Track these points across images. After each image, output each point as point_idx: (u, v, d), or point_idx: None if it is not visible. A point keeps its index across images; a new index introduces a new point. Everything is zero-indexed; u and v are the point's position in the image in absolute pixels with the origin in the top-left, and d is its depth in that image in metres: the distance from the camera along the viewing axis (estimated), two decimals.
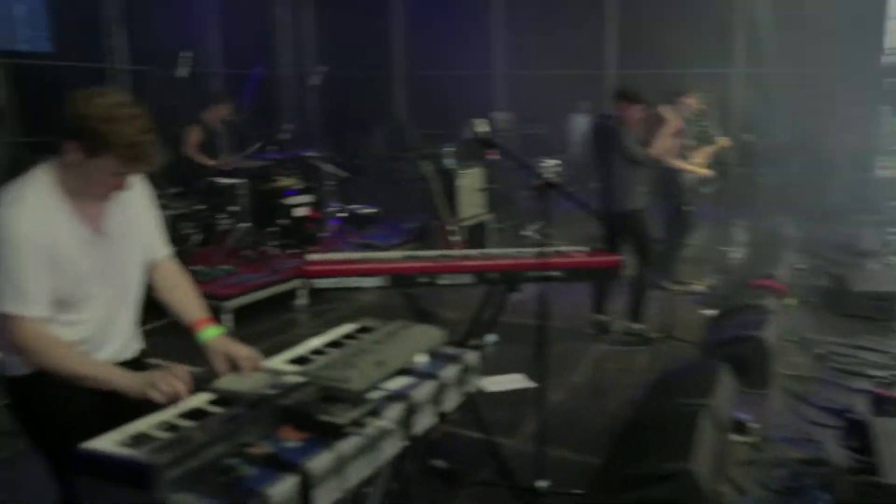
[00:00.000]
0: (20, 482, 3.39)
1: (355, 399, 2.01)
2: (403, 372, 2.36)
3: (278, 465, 1.71)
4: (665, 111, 5.72)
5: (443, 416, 2.42)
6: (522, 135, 11.51)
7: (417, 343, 2.47)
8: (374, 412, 2.00)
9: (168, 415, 1.88)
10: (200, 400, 1.98)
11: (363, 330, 2.62)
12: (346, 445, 1.87)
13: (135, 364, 2.36)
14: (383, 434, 2.02)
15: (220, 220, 6.67)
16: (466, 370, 2.54)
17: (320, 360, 2.27)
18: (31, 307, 1.98)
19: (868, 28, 11.48)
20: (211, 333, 2.28)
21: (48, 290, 2.01)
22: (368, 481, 2.07)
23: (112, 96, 2.00)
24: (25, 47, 11.60)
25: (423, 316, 3.43)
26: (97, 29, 12.58)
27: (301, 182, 7.16)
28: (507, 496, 3.31)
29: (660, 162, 5.76)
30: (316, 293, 6.43)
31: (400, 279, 3.15)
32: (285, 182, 6.98)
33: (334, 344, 2.47)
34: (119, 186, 2.09)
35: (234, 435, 1.76)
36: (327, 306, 6.33)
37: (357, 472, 1.88)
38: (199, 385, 2.03)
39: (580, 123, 14.12)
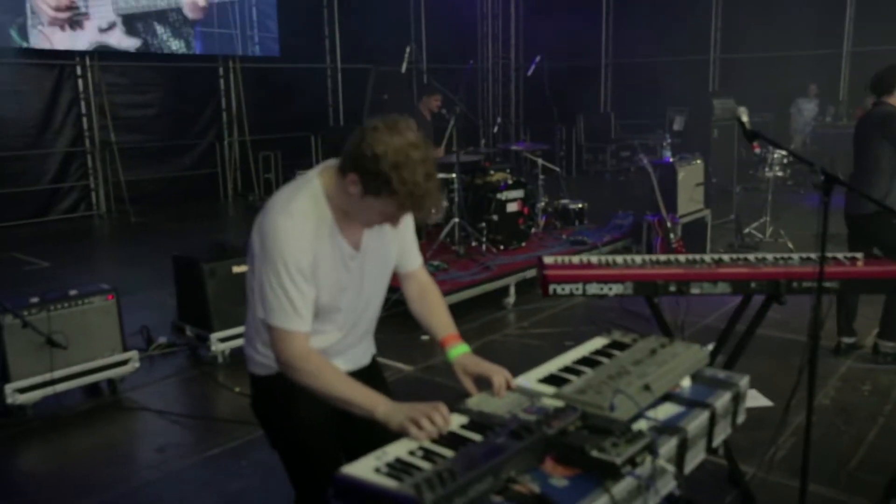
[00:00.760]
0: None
1: (621, 430, 1.75)
2: (666, 397, 2.08)
3: None
4: None
5: (712, 452, 2.10)
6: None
7: (683, 364, 2.16)
8: (650, 448, 1.73)
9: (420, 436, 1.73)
10: (453, 423, 1.81)
11: (614, 345, 2.35)
12: (621, 488, 1.62)
13: (370, 369, 2.29)
14: (658, 475, 1.74)
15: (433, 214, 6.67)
16: (738, 397, 2.20)
17: (576, 381, 2.04)
18: (300, 323, 1.92)
19: None
20: (459, 351, 2.15)
21: (313, 304, 1.95)
22: None
23: (407, 134, 1.85)
24: (256, 50, 12.52)
25: (666, 328, 3.10)
26: (318, 33, 13.39)
27: (512, 176, 6.99)
28: None
29: None
30: (523, 290, 6.27)
31: (645, 287, 2.84)
32: (498, 176, 6.84)
33: (586, 361, 2.22)
34: (390, 224, 1.99)
35: (500, 470, 1.57)
36: (535, 306, 6.13)
37: None
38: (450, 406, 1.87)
39: (808, 110, 12.85)
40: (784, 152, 8.57)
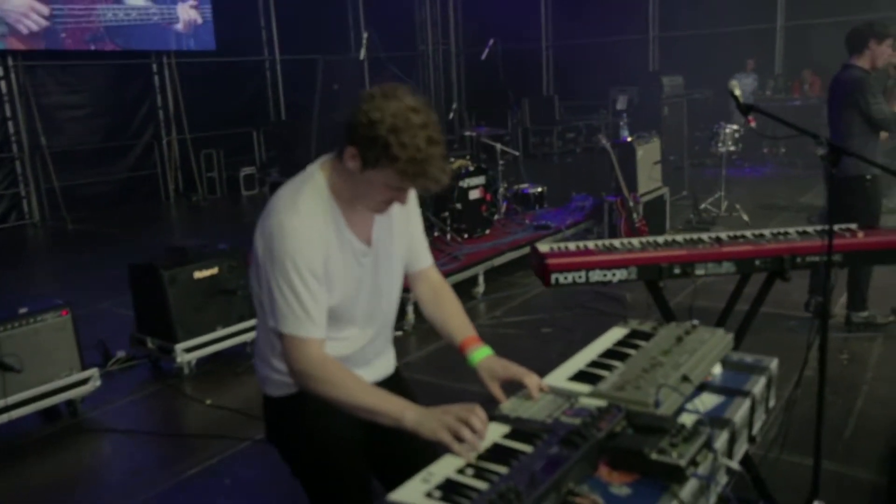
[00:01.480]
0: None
1: (675, 428, 1.63)
2: (701, 387, 1.97)
3: None
4: None
5: (752, 441, 2.00)
6: (687, 101, 10.69)
7: (713, 351, 2.06)
8: (708, 445, 1.61)
9: (464, 451, 1.58)
10: (494, 433, 1.66)
11: (635, 335, 2.23)
12: (686, 491, 1.50)
13: (394, 379, 2.14)
14: (716, 472, 1.63)
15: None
16: (770, 381, 2.11)
17: (609, 376, 1.91)
18: (314, 329, 1.75)
19: None
20: (482, 354, 1.99)
21: (325, 308, 1.78)
22: None
23: (405, 98, 1.69)
24: (191, 44, 12.00)
25: (668, 312, 3.00)
26: (254, 24, 12.95)
27: (472, 163, 6.84)
28: None
29: None
30: (490, 279, 6.15)
31: (649, 270, 2.74)
32: (459, 163, 6.68)
33: (612, 354, 2.09)
34: (397, 201, 1.81)
35: (562, 483, 1.43)
36: (504, 294, 6.03)
37: None
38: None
39: (746, 84, 13.06)
40: (735, 126, 8.66)
